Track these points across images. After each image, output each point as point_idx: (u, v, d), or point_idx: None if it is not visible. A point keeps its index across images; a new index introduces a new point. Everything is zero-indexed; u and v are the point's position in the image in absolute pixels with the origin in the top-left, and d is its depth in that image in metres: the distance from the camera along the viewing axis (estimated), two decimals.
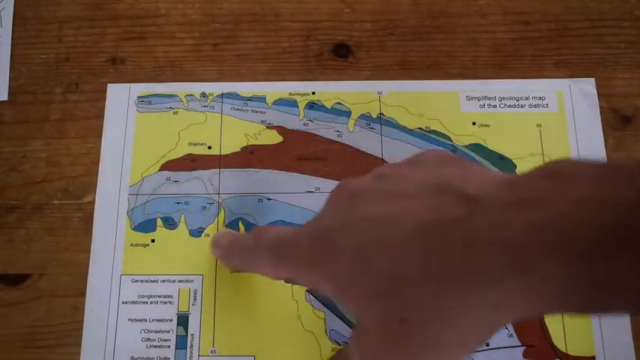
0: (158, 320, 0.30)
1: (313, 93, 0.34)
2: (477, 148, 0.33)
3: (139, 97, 0.34)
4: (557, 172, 0.17)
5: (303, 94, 0.34)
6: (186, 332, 0.30)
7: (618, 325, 0.30)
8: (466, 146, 0.33)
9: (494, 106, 0.34)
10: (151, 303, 0.31)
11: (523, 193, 0.17)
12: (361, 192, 0.21)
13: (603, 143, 0.33)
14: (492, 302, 0.17)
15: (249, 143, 0.33)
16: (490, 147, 0.33)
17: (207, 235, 0.32)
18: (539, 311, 0.17)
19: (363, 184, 0.21)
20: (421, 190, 0.19)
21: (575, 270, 0.15)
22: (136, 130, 0.34)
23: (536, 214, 0.16)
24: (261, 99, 0.34)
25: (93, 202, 0.33)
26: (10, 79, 0.35)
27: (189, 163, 0.33)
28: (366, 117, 0.34)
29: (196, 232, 0.32)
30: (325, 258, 0.20)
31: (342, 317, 0.30)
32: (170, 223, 0.32)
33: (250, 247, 0.25)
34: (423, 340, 0.18)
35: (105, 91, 0.35)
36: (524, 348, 0.30)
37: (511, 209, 0.16)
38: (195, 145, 0.33)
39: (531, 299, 0.16)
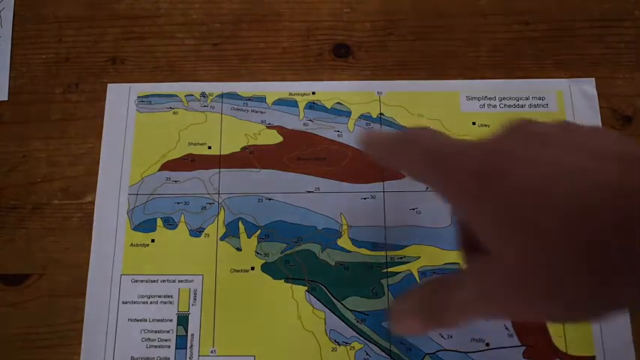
0: (158, 320, 0.30)
1: (313, 93, 0.34)
2: None
3: (139, 97, 0.34)
4: None
5: (303, 94, 0.34)
6: (186, 332, 0.30)
7: (618, 325, 0.30)
8: None
9: (494, 106, 0.34)
10: (151, 303, 0.31)
11: None
12: (547, 135, 0.19)
13: None
14: None
15: (249, 143, 0.33)
16: None
17: (207, 235, 0.32)
18: None
19: (549, 130, 0.20)
20: (609, 154, 0.18)
21: None
22: (136, 130, 0.34)
23: None
24: (261, 99, 0.34)
25: (93, 202, 0.33)
26: (10, 79, 0.35)
27: (189, 163, 0.33)
28: (366, 117, 0.34)
29: (196, 232, 0.32)
30: (496, 179, 0.19)
31: (342, 317, 0.30)
32: (170, 223, 0.32)
33: (402, 141, 0.23)
34: (562, 295, 0.18)
35: (105, 91, 0.35)
36: (524, 348, 0.30)
37: None
38: (195, 145, 0.33)
39: None
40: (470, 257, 0.22)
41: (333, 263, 0.31)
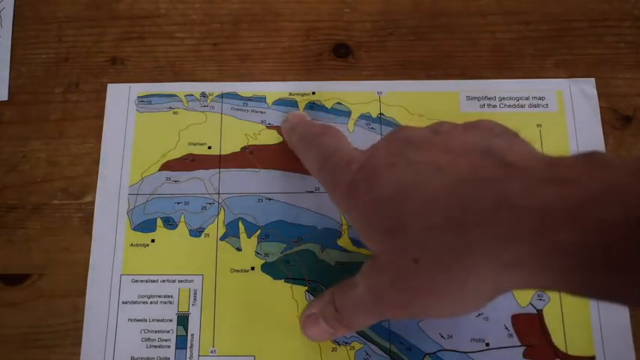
0: (158, 320, 0.30)
1: (313, 93, 0.34)
2: None
3: (138, 97, 0.34)
4: (597, 160, 0.17)
5: (303, 94, 0.34)
6: (186, 332, 0.30)
7: (618, 325, 0.30)
8: None
9: (495, 106, 0.34)
10: (151, 303, 0.31)
11: (560, 171, 0.17)
12: (415, 140, 0.22)
13: (603, 143, 0.33)
14: (504, 262, 0.18)
15: (249, 143, 0.33)
16: None
17: (207, 235, 0.32)
18: (544, 283, 0.18)
19: (419, 134, 0.23)
20: (468, 149, 0.20)
21: (591, 245, 0.16)
22: (136, 130, 0.34)
23: (568, 191, 0.16)
24: (261, 99, 0.34)
25: (93, 202, 0.33)
26: (10, 79, 0.35)
27: (189, 163, 0.33)
28: (366, 117, 0.34)
29: (196, 232, 0.32)
30: (364, 188, 0.22)
31: None
32: (170, 223, 0.32)
33: (309, 139, 0.28)
34: (429, 283, 0.20)
35: (105, 91, 0.35)
36: (524, 348, 0.30)
37: (546, 182, 0.17)
38: (195, 145, 0.33)
39: (540, 267, 0.17)
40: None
41: (333, 263, 0.31)
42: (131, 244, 0.32)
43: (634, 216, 0.15)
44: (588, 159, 0.17)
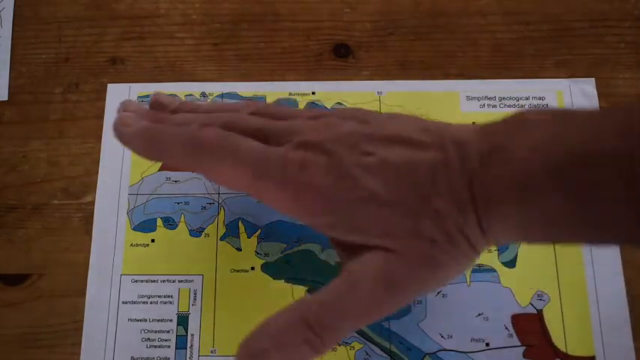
0: (158, 320, 0.30)
1: (313, 93, 0.34)
2: None
3: (139, 97, 0.34)
4: (520, 121, 0.21)
5: (303, 94, 0.34)
6: (186, 332, 0.30)
7: (618, 325, 0.30)
8: None
9: (495, 106, 0.34)
10: (151, 303, 0.31)
11: (494, 139, 0.21)
12: (369, 136, 0.23)
13: None
14: (482, 226, 0.21)
15: None
16: None
17: (207, 235, 0.32)
18: (500, 237, 0.21)
19: (371, 127, 0.23)
20: (424, 138, 0.22)
21: (526, 206, 0.20)
22: None
23: (502, 158, 0.20)
24: (261, 99, 0.34)
25: (93, 202, 0.33)
26: (10, 79, 0.35)
27: None
28: None
29: (196, 232, 0.32)
30: (344, 189, 0.22)
31: None
32: (170, 223, 0.32)
33: (215, 145, 0.24)
34: (444, 255, 0.21)
35: (105, 91, 0.35)
36: (524, 348, 0.30)
37: (488, 154, 0.20)
38: None
39: (495, 226, 0.21)
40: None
41: (333, 263, 0.31)
42: (131, 244, 0.32)
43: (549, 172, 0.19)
44: (515, 121, 0.21)
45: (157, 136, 0.25)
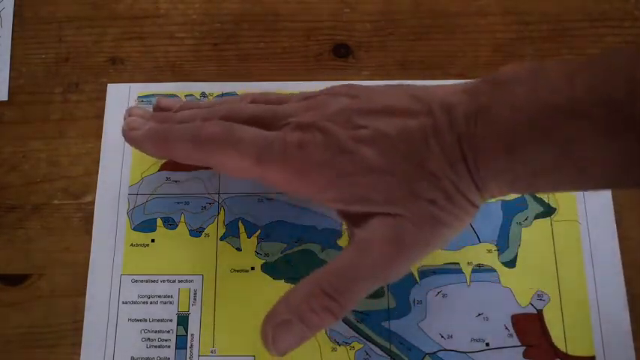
0: (158, 320, 0.30)
1: None
2: None
3: (139, 97, 0.34)
4: (503, 80, 0.22)
5: None
6: (186, 332, 0.30)
7: (618, 325, 0.30)
8: None
9: None
10: (151, 303, 0.31)
11: (479, 100, 0.22)
12: (360, 109, 0.24)
13: None
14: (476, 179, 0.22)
15: None
16: None
17: (207, 235, 0.32)
18: (495, 191, 0.23)
19: (362, 101, 0.25)
20: (413, 105, 0.23)
21: (513, 161, 0.21)
22: None
23: (487, 118, 0.21)
24: None
25: (93, 202, 0.33)
26: (10, 79, 0.35)
27: None
28: None
29: (196, 232, 0.32)
30: (337, 160, 0.23)
31: None
32: (170, 223, 0.32)
33: (218, 136, 0.25)
34: (446, 214, 0.23)
35: (105, 91, 0.35)
36: (524, 348, 0.30)
37: (474, 115, 0.22)
38: None
39: (484, 180, 0.22)
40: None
41: None
42: (131, 244, 0.32)
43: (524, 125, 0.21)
44: (494, 80, 0.22)
45: (164, 135, 0.27)
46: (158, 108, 0.31)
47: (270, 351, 0.24)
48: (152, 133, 0.28)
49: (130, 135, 0.28)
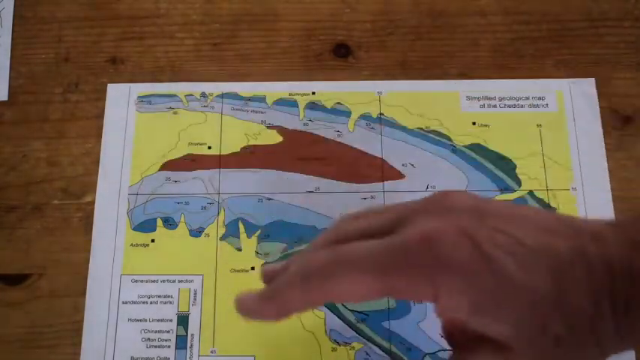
0: (158, 320, 0.30)
1: (313, 93, 0.34)
2: (477, 148, 0.33)
3: (138, 97, 0.34)
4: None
5: (303, 94, 0.34)
6: (186, 332, 0.30)
7: None
8: (466, 146, 0.33)
9: (494, 106, 0.34)
10: (151, 303, 0.31)
11: (635, 235, 0.19)
12: (493, 212, 0.20)
13: (603, 143, 0.33)
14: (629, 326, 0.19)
15: (249, 143, 0.33)
16: (490, 147, 0.33)
17: (207, 235, 0.32)
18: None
19: (493, 205, 0.21)
20: (557, 226, 0.20)
21: None
22: (136, 130, 0.34)
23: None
24: (261, 99, 0.34)
25: (93, 202, 0.33)
26: (10, 79, 0.35)
27: (189, 163, 0.33)
28: (366, 117, 0.34)
29: (196, 232, 0.32)
30: (472, 263, 0.19)
31: (341, 317, 0.30)
32: (170, 223, 0.32)
33: (327, 265, 0.21)
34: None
35: (105, 91, 0.35)
36: None
37: (630, 249, 0.19)
38: (195, 145, 0.33)
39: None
40: (465, 347, 0.22)
41: None
42: (131, 244, 0.32)
43: None
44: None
45: (269, 294, 0.23)
46: (267, 277, 0.25)
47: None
48: (272, 310, 0.23)
49: (256, 319, 0.24)
